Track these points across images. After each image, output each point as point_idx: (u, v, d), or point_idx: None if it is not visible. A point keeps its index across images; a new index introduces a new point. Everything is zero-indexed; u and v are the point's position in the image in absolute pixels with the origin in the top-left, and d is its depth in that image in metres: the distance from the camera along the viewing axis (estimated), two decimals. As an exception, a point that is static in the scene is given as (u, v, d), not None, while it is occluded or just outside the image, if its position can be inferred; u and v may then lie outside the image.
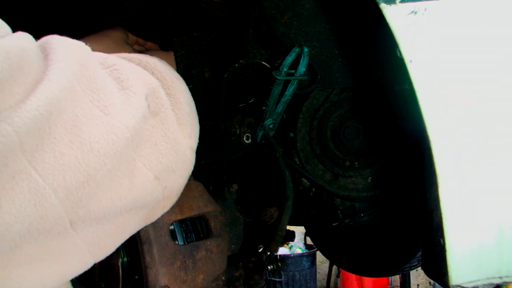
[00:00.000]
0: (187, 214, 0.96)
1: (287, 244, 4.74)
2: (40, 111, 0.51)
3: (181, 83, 0.81)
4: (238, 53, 1.06)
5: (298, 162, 1.22)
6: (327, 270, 5.18)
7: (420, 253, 1.22)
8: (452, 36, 0.74)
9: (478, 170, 0.73)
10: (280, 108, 1.00)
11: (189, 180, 0.82)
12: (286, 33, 0.99)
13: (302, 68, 0.93)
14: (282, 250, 4.74)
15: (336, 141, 1.18)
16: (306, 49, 0.92)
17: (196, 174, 1.03)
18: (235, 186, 1.10)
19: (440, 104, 0.72)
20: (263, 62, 1.01)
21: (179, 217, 0.95)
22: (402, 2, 0.72)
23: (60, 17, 1.26)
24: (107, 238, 0.65)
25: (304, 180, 1.32)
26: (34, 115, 0.50)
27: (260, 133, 1.06)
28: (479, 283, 0.75)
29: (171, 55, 1.03)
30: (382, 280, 4.64)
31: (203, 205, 0.99)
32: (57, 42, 0.61)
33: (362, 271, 1.45)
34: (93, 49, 0.68)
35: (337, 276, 5.10)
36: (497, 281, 0.75)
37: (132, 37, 1.22)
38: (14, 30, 0.56)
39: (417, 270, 4.25)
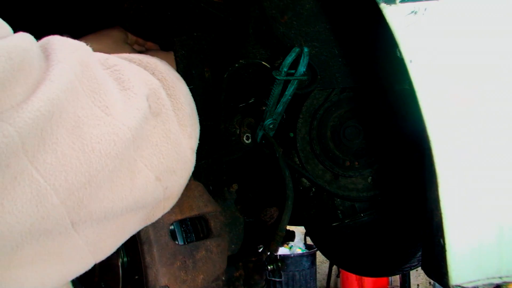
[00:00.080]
0: (187, 214, 0.96)
1: (287, 244, 4.74)
2: (41, 111, 0.51)
3: (181, 84, 0.81)
4: (238, 53, 1.06)
5: (298, 162, 1.23)
6: (327, 270, 5.18)
7: (420, 253, 1.22)
8: (452, 36, 0.74)
9: (478, 170, 0.73)
10: (280, 108, 1.00)
11: (189, 180, 0.82)
12: (286, 33, 0.99)
13: (302, 68, 0.93)
14: (282, 250, 4.74)
15: (336, 141, 1.18)
16: (306, 49, 0.92)
17: (196, 174, 1.03)
18: (235, 186, 1.10)
19: (440, 104, 0.72)
20: (263, 62, 1.01)
21: (179, 217, 0.95)
22: (402, 2, 0.72)
23: (60, 17, 1.26)
24: (108, 238, 0.65)
25: (304, 180, 1.32)
26: (35, 115, 0.50)
27: (260, 133, 1.06)
28: (479, 283, 0.75)
29: (171, 55, 1.03)
30: (382, 280, 4.64)
31: (203, 205, 0.99)
32: (58, 43, 0.61)
33: (362, 271, 1.45)
34: (93, 48, 0.68)
35: (337, 276, 5.10)
36: (497, 281, 0.75)
37: (131, 37, 1.22)
38: (15, 30, 0.56)
39: (417, 270, 4.25)
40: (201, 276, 0.95)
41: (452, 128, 0.72)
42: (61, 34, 1.10)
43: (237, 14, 1.07)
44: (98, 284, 1.00)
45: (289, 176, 0.98)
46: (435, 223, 0.75)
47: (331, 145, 1.18)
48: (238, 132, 1.12)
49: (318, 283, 4.97)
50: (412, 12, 0.72)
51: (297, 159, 1.23)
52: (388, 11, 0.72)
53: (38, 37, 0.61)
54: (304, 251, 4.81)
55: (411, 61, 0.72)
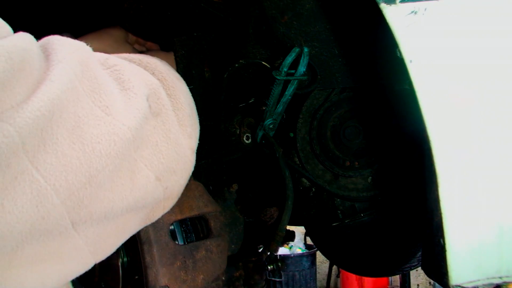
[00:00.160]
0: (187, 214, 0.96)
1: (287, 244, 4.74)
2: (42, 111, 0.51)
3: (181, 84, 0.81)
4: (238, 53, 1.06)
5: (298, 162, 1.22)
6: (327, 270, 5.18)
7: (420, 253, 1.22)
8: (452, 36, 0.74)
9: (478, 170, 0.73)
10: (280, 108, 1.00)
11: (189, 180, 0.82)
12: (286, 33, 0.99)
13: (302, 68, 0.93)
14: (282, 250, 4.74)
15: (336, 141, 1.18)
16: (306, 49, 0.92)
17: (196, 174, 1.03)
18: (235, 186, 1.10)
19: (440, 104, 0.72)
20: (263, 62, 1.02)
21: (179, 217, 0.95)
22: (402, 2, 0.72)
23: (60, 17, 1.26)
24: (108, 238, 0.65)
25: (304, 180, 1.32)
26: (36, 115, 0.50)
27: (260, 133, 1.06)
28: (479, 283, 0.75)
29: (171, 55, 1.03)
30: (382, 280, 4.64)
31: (203, 205, 0.99)
32: (58, 43, 0.61)
33: (362, 271, 1.45)
34: (94, 47, 0.68)
35: (337, 276, 5.10)
36: (497, 281, 0.75)
37: (132, 36, 1.23)
38: (15, 30, 0.56)
39: (417, 270, 4.25)
40: (201, 276, 0.95)
41: (452, 128, 0.72)
42: (62, 33, 1.10)
43: (237, 14, 1.07)
44: (98, 284, 1.00)
45: (289, 176, 0.98)
46: (435, 223, 0.75)
47: (331, 145, 1.18)
48: (238, 132, 1.12)
49: (318, 283, 4.97)
50: (412, 12, 0.72)
51: (297, 159, 1.23)
52: (388, 11, 0.72)
53: (38, 37, 0.61)
54: (304, 251, 4.81)
55: (411, 61, 0.72)
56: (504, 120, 0.74)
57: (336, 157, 1.18)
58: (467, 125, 0.73)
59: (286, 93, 0.97)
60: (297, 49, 0.92)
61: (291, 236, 1.35)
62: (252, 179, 1.33)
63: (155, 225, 0.89)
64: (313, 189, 1.33)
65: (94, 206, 0.59)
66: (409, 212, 1.16)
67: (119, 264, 0.95)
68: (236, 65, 1.01)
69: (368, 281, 4.57)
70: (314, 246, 2.84)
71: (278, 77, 0.93)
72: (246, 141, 1.12)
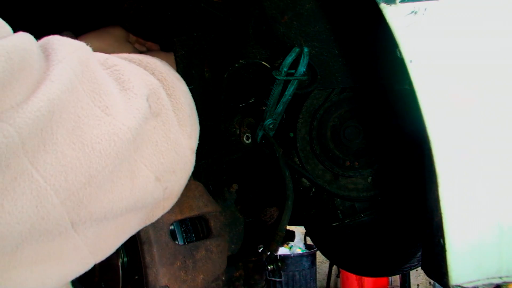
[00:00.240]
0: (187, 214, 0.96)
1: (287, 244, 4.74)
2: (42, 111, 0.51)
3: (181, 84, 0.81)
4: (238, 53, 1.06)
5: (298, 162, 1.22)
6: (327, 270, 5.18)
7: (420, 253, 1.22)
8: (452, 36, 0.74)
9: (478, 170, 0.73)
10: (280, 108, 1.00)
11: (189, 180, 0.82)
12: (286, 33, 0.99)
13: (302, 68, 0.93)
14: (282, 250, 4.74)
15: (336, 141, 1.18)
16: (306, 49, 0.92)
17: (196, 174, 1.03)
18: (235, 186, 1.10)
19: (440, 104, 0.72)
20: (263, 62, 1.02)
21: (179, 217, 0.95)
22: (402, 2, 0.72)
23: (60, 17, 1.26)
24: (108, 238, 0.65)
25: (304, 180, 1.32)
26: (36, 115, 0.50)
27: (260, 133, 1.06)
28: (479, 283, 0.75)
29: (171, 56, 1.03)
30: (382, 280, 4.64)
31: (203, 205, 0.99)
32: (58, 43, 0.61)
33: (362, 271, 1.45)
34: (94, 46, 0.68)
35: (337, 276, 5.10)
36: (497, 281, 0.75)
37: (132, 36, 1.23)
38: (15, 30, 0.56)
39: (417, 270, 4.25)
40: (201, 276, 0.95)
41: (452, 128, 0.72)
42: (62, 32, 1.10)
43: (237, 14, 1.07)
44: (98, 284, 1.00)
45: (289, 176, 0.98)
46: (435, 223, 0.75)
47: (331, 145, 1.18)
48: (238, 132, 1.12)
49: (318, 283, 4.96)
50: (412, 12, 0.72)
51: (297, 159, 1.23)
52: (388, 11, 0.72)
53: (38, 37, 0.61)
54: (304, 251, 4.81)
55: (411, 61, 0.72)
56: (504, 120, 0.74)
57: (336, 157, 1.18)
58: (467, 125, 0.73)
59: (286, 93, 0.97)
60: (297, 49, 0.92)
61: (291, 236, 1.35)
62: (252, 179, 1.32)
63: (155, 225, 0.89)
64: (313, 189, 1.33)
65: (94, 206, 0.59)
66: (409, 212, 1.16)
67: (119, 264, 0.95)
68: (236, 65, 1.01)
69: (368, 281, 4.57)
70: (314, 246, 2.84)
71: (278, 77, 0.93)
72: (246, 141, 1.12)
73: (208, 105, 1.04)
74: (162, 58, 0.86)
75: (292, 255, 4.67)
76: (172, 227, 0.96)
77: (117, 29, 1.16)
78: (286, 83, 0.96)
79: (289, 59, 0.92)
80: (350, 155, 1.19)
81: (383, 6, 0.72)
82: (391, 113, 1.12)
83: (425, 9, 0.72)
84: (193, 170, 0.81)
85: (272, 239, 1.00)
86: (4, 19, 0.54)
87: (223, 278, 1.03)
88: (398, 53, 0.72)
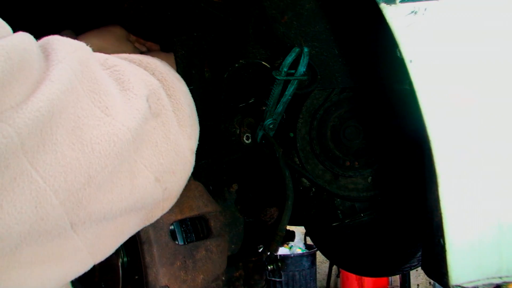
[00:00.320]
0: (187, 214, 0.96)
1: (287, 244, 4.74)
2: (41, 112, 0.51)
3: (181, 84, 0.81)
4: (238, 53, 1.06)
5: (298, 162, 1.22)
6: (327, 270, 5.18)
7: (420, 253, 1.22)
8: (452, 36, 0.74)
9: (478, 170, 0.73)
10: (280, 108, 1.00)
11: (189, 180, 0.82)
12: (286, 33, 0.99)
13: (302, 68, 0.93)
14: (282, 250, 4.73)
15: (336, 141, 1.18)
16: (306, 49, 0.92)
17: (196, 174, 1.03)
18: (235, 186, 1.10)
19: (440, 104, 0.72)
20: (263, 62, 1.02)
21: (179, 217, 0.94)
22: (402, 2, 0.72)
23: (60, 18, 1.26)
24: (107, 239, 0.65)
25: (304, 180, 1.32)
26: (35, 116, 0.50)
27: (260, 133, 1.06)
28: (479, 283, 0.75)
29: (172, 56, 1.03)
30: (382, 280, 4.64)
31: (203, 205, 0.99)
32: (58, 43, 0.61)
33: (362, 271, 1.45)
34: (95, 44, 0.67)
35: (337, 276, 5.10)
36: (497, 281, 0.75)
37: (133, 36, 1.23)
38: (15, 30, 0.56)
39: (417, 270, 4.24)
40: (201, 276, 0.95)
41: (452, 128, 0.72)
42: (62, 30, 1.10)
43: (237, 14, 1.07)
44: (98, 284, 1.00)
45: (289, 176, 0.98)
46: (435, 223, 0.75)
47: (331, 145, 1.18)
48: (238, 132, 1.12)
49: (318, 283, 4.96)
50: (412, 12, 0.72)
51: (297, 159, 1.23)
52: (388, 11, 0.72)
53: (38, 36, 0.61)
54: (304, 251, 4.81)
55: (411, 61, 0.72)
56: (504, 120, 0.74)
57: (336, 157, 1.18)
58: (467, 125, 0.73)
59: (286, 93, 0.97)
60: (297, 49, 0.92)
61: (291, 236, 1.35)
62: (252, 179, 1.32)
63: (155, 225, 0.89)
64: (313, 189, 1.33)
65: (93, 207, 0.59)
66: (409, 212, 1.16)
67: (119, 264, 0.95)
68: (236, 65, 1.01)
69: (368, 281, 4.57)
70: (314, 246, 2.84)
71: (278, 77, 0.93)
72: (246, 141, 1.12)
73: (208, 105, 1.04)
74: (162, 59, 0.86)
75: (292, 255, 4.66)
76: (172, 227, 0.96)
77: (117, 27, 1.16)
78: (286, 83, 0.96)
79: (289, 59, 0.92)
80: (350, 155, 1.19)
81: (383, 6, 0.72)
82: (391, 113, 1.12)
83: (425, 9, 0.72)
84: (193, 170, 0.81)
85: (272, 239, 1.00)
86: (3, 18, 0.54)
87: (223, 278, 1.03)
88: (398, 53, 0.72)
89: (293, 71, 0.93)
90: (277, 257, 1.39)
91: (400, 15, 0.72)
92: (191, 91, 0.84)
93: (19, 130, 0.49)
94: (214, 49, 1.08)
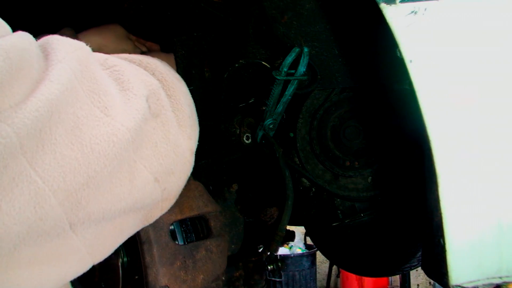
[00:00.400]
0: (187, 214, 0.96)
1: (287, 244, 4.74)
2: (40, 112, 0.51)
3: (181, 85, 0.81)
4: (238, 53, 1.06)
5: (298, 162, 1.22)
6: (327, 270, 5.18)
7: (420, 253, 1.22)
8: (452, 36, 0.74)
9: (478, 170, 0.73)
10: (280, 108, 1.00)
11: (189, 180, 0.82)
12: (286, 33, 0.99)
13: (302, 68, 0.93)
14: (282, 250, 4.73)
15: (336, 141, 1.18)
16: (306, 49, 0.92)
17: (196, 174, 1.03)
18: (235, 186, 1.10)
19: (440, 104, 0.72)
20: (263, 62, 1.02)
21: (179, 217, 0.94)
22: (402, 2, 0.72)
23: (60, 18, 1.26)
24: (106, 239, 0.65)
25: (304, 180, 1.32)
26: (34, 116, 0.50)
27: (260, 133, 1.06)
28: (479, 283, 0.75)
29: (172, 56, 1.03)
30: (382, 280, 4.64)
31: (203, 205, 0.99)
32: (57, 42, 0.60)
33: (362, 271, 1.45)
34: (95, 42, 0.67)
35: (337, 276, 5.10)
36: (497, 281, 0.75)
37: (132, 36, 1.23)
38: (15, 29, 0.56)
39: (417, 270, 4.24)
40: (201, 276, 0.95)
41: (452, 128, 0.72)
42: (62, 28, 1.10)
43: (237, 14, 1.07)
44: (98, 284, 1.00)
45: (289, 176, 0.98)
46: (435, 223, 0.75)
47: (331, 145, 1.18)
48: (238, 132, 1.12)
49: (318, 283, 4.96)
50: (412, 12, 0.72)
51: (297, 159, 1.23)
52: (388, 11, 0.72)
53: (37, 35, 0.61)
54: (304, 251, 4.81)
55: (411, 61, 0.72)
56: (504, 120, 0.74)
57: (336, 157, 1.18)
58: (467, 125, 0.73)
59: (286, 93, 0.97)
60: (297, 49, 0.92)
61: (291, 236, 1.35)
62: (252, 179, 1.32)
63: (155, 225, 0.89)
64: (313, 189, 1.33)
65: (92, 207, 0.58)
66: (409, 212, 1.16)
67: (119, 264, 0.95)
68: (236, 65, 1.01)
69: (368, 281, 4.57)
70: (314, 246, 2.84)
71: (278, 77, 0.93)
72: (246, 141, 1.12)
73: (208, 105, 1.04)
74: (162, 59, 0.85)
75: (292, 255, 4.66)
76: (172, 227, 0.96)
77: (118, 26, 1.17)
78: (286, 83, 0.96)
79: (289, 59, 0.92)
80: (350, 155, 1.19)
81: (383, 6, 0.72)
82: (391, 113, 1.12)
83: (425, 9, 0.72)
84: (193, 170, 0.81)
85: (272, 239, 1.00)
86: (3, 17, 0.54)
87: (223, 278, 1.03)
88: (398, 53, 0.72)
89: (293, 71, 0.93)
90: (277, 257, 1.39)
91: (400, 15, 0.72)
92: (191, 91, 0.84)
93: (18, 130, 0.49)
94: (214, 49, 1.08)
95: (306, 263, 4.63)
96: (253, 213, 1.23)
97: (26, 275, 0.57)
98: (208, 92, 1.06)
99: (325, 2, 0.99)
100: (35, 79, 0.53)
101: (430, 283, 4.92)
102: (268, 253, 1.16)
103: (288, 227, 1.32)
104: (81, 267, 0.64)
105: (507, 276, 0.75)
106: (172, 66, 0.88)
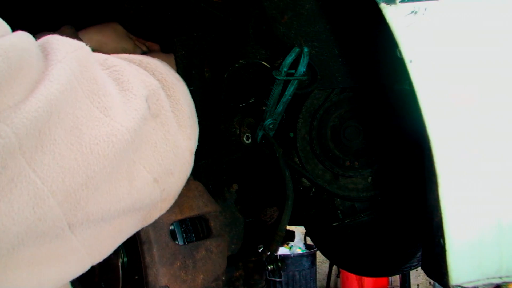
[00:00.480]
0: (187, 214, 0.96)
1: (287, 244, 4.74)
2: (40, 112, 0.51)
3: (181, 85, 0.81)
4: (238, 53, 1.06)
5: (298, 162, 1.22)
6: (327, 270, 5.18)
7: (420, 253, 1.22)
8: (452, 36, 0.74)
9: (478, 170, 0.73)
10: (280, 108, 1.00)
11: (189, 180, 0.82)
12: (286, 33, 0.99)
13: (302, 68, 0.93)
14: (282, 250, 4.73)
15: (336, 141, 1.18)
16: (306, 49, 0.92)
17: (196, 174, 1.03)
18: (235, 186, 1.10)
19: (440, 104, 0.72)
20: (263, 62, 1.02)
21: (179, 217, 0.94)
22: (402, 2, 0.72)
23: (60, 18, 1.26)
24: (105, 240, 0.65)
25: (304, 180, 1.32)
26: (33, 116, 0.50)
27: (260, 133, 1.06)
28: (479, 283, 0.75)
29: (172, 57, 1.03)
30: (382, 280, 4.64)
31: (203, 205, 0.99)
32: (57, 42, 0.60)
33: (362, 271, 1.45)
34: (95, 39, 0.67)
35: (337, 276, 5.10)
36: (497, 281, 0.75)
37: (132, 36, 1.23)
38: (14, 29, 0.55)
39: (417, 270, 4.24)
40: (201, 276, 0.95)
41: (453, 128, 0.72)
42: (62, 25, 1.09)
43: (237, 14, 1.07)
44: (98, 284, 1.00)
45: (289, 176, 0.98)
46: (435, 223, 0.75)
47: (331, 145, 1.18)
48: (238, 132, 1.12)
49: (318, 283, 4.96)
50: (412, 12, 0.72)
51: (297, 159, 1.23)
52: (388, 11, 0.72)
53: (37, 33, 0.61)
54: (304, 251, 4.80)
55: (411, 61, 0.72)
56: (504, 119, 0.74)
57: (336, 157, 1.18)
58: (467, 125, 0.73)
59: (286, 93, 0.97)
60: (297, 49, 0.92)
61: (291, 236, 1.35)
62: (252, 179, 1.32)
63: (155, 225, 0.89)
64: (313, 189, 1.33)
65: (91, 208, 0.58)
66: (408, 212, 1.16)
67: (119, 264, 0.95)
68: (236, 65, 1.01)
69: (368, 281, 4.56)
70: (314, 246, 2.84)
71: (278, 77, 0.93)
72: (246, 141, 1.12)
73: (208, 105, 1.04)
74: (162, 59, 0.85)
75: (292, 255, 4.66)
76: (172, 227, 0.95)
77: (118, 24, 1.17)
78: (286, 83, 0.96)
79: (289, 59, 0.92)
80: (350, 155, 1.19)
81: (383, 6, 0.72)
82: (391, 113, 1.12)
83: (425, 9, 0.72)
84: (193, 170, 0.81)
85: (272, 239, 1.00)
86: (2, 17, 0.54)
87: (223, 278, 1.03)
88: (398, 53, 0.72)
89: (293, 71, 0.93)
90: (277, 257, 1.39)
91: (400, 15, 0.72)
92: (191, 91, 0.84)
93: (17, 130, 0.48)
94: (214, 49, 1.08)
95: (306, 263, 4.63)
96: (253, 213, 1.23)
97: (25, 275, 0.56)
98: (208, 92, 1.06)
99: (325, 2, 0.99)
100: (34, 79, 0.53)
101: (430, 283, 4.92)
102: (268, 253, 1.16)
103: (288, 227, 1.32)
104: (80, 268, 0.64)
105: (507, 276, 0.75)
106: (172, 66, 0.88)
